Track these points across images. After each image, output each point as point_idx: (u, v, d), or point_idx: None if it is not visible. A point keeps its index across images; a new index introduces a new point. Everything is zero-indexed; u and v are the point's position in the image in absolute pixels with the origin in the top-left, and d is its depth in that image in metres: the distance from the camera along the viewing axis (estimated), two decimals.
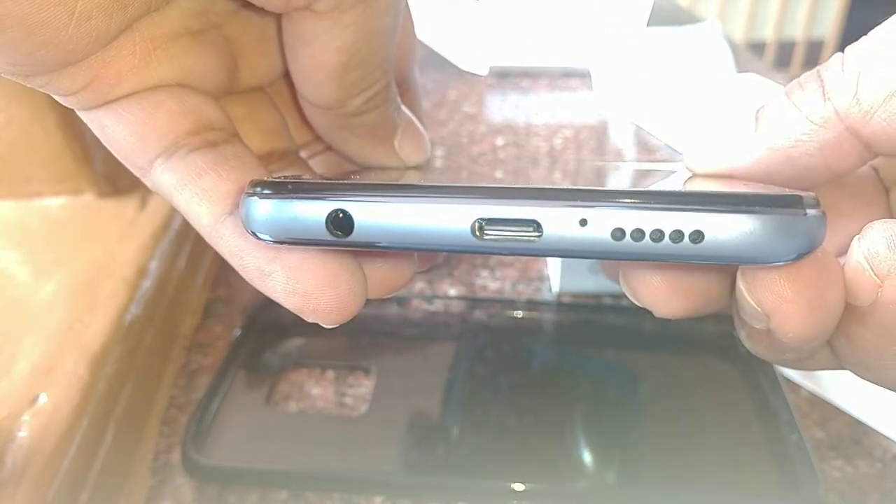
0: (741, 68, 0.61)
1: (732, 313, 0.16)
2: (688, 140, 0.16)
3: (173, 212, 0.31)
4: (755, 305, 0.13)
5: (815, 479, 0.24)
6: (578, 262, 0.33)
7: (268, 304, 0.32)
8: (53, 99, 0.29)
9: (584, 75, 0.62)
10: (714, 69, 0.59)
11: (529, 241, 0.12)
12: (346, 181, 0.14)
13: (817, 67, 0.15)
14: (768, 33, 2.07)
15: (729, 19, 2.03)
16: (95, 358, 0.24)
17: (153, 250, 0.29)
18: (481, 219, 0.12)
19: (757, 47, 2.02)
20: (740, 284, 0.14)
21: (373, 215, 0.13)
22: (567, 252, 0.13)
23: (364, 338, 0.31)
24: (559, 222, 0.12)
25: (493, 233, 0.13)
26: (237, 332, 0.31)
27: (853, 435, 0.27)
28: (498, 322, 0.32)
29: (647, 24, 0.66)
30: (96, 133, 0.15)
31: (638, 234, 0.12)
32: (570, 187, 0.13)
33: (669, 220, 0.12)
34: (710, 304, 0.16)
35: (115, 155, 0.16)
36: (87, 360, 0.24)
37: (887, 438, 0.27)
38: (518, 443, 0.26)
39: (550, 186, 0.13)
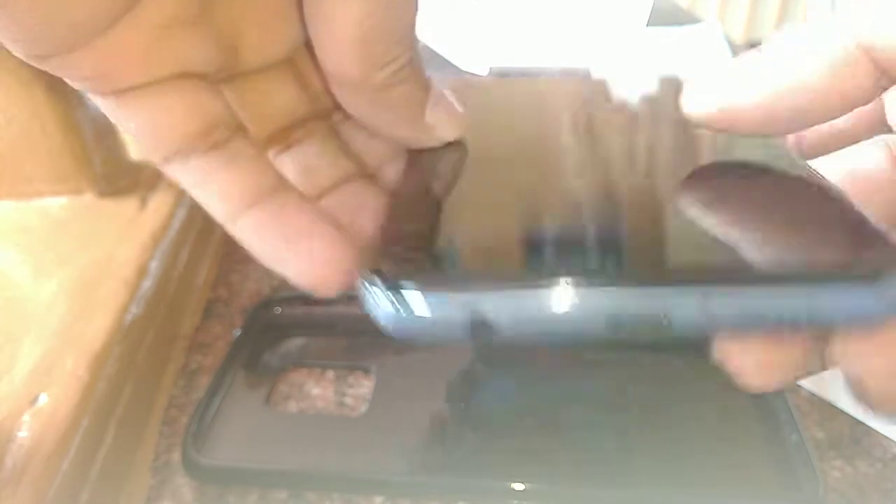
0: None
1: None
2: (687, 83, 0.15)
3: (173, 212, 0.31)
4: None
5: (815, 478, 0.24)
6: None
7: (268, 304, 0.32)
8: (54, 99, 0.30)
9: (583, 75, 0.62)
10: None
11: (661, 328, 0.12)
12: (476, 273, 0.13)
13: None
14: (768, 33, 2.08)
15: (729, 19, 2.03)
16: (95, 358, 0.24)
17: (153, 250, 0.29)
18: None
19: (757, 47, 2.02)
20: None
21: (515, 319, 0.12)
22: (693, 333, 0.12)
23: (364, 338, 0.31)
24: (689, 311, 0.12)
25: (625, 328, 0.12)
26: (237, 332, 0.31)
27: (853, 435, 0.27)
28: None
29: (647, 25, 0.66)
30: (111, 118, 0.16)
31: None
32: (697, 269, 0.12)
33: (795, 302, 0.12)
34: (800, 373, 0.15)
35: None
36: (88, 360, 0.24)
37: (887, 438, 0.27)
38: (518, 443, 0.26)
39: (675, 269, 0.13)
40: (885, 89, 0.14)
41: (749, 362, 0.14)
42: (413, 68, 0.17)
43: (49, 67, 0.14)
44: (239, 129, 0.17)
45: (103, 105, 0.16)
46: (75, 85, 0.15)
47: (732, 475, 0.25)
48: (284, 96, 0.19)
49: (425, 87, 0.18)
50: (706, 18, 0.73)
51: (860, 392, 0.13)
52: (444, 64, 0.63)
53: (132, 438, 0.26)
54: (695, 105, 0.15)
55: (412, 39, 0.16)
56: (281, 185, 0.17)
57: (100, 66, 0.14)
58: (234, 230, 0.16)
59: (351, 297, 0.34)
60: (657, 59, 0.59)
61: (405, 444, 0.26)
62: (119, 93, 0.15)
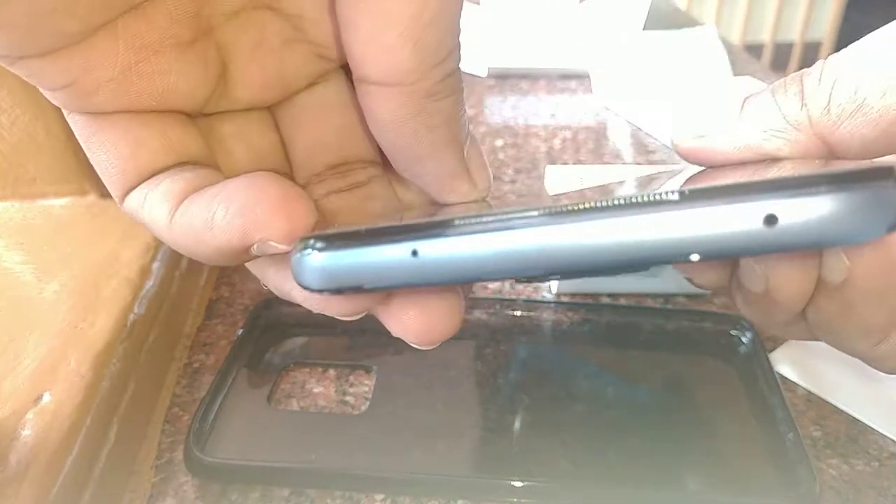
0: (739, 69, 0.61)
1: (732, 282, 0.18)
2: (680, 125, 0.18)
3: None
4: (756, 267, 0.15)
5: (811, 477, 0.24)
6: None
7: (270, 303, 0.32)
8: None
9: (582, 77, 0.62)
10: (710, 72, 0.59)
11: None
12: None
13: (801, 71, 0.16)
14: (765, 36, 2.08)
15: (726, 22, 2.03)
16: (99, 357, 0.24)
17: (156, 251, 0.29)
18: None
19: (754, 49, 2.02)
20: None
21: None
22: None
23: (365, 337, 0.31)
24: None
25: None
26: (239, 331, 0.31)
27: (850, 433, 0.27)
28: (497, 321, 0.32)
29: (645, 28, 0.66)
30: (81, 143, 0.15)
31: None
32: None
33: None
34: (728, 274, 0.18)
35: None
36: (91, 359, 0.24)
37: (883, 437, 0.27)
38: (517, 440, 0.26)
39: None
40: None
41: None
42: (459, 76, 0.16)
43: (19, 71, 0.14)
44: (212, 166, 0.16)
45: (75, 126, 0.15)
46: (50, 97, 0.15)
47: (729, 473, 0.25)
48: (262, 140, 0.18)
49: (465, 115, 0.17)
50: (703, 21, 0.73)
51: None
52: None
53: (135, 436, 0.26)
54: (685, 142, 0.17)
55: (459, 32, 0.15)
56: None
57: (71, 73, 0.14)
58: (173, 225, 0.15)
59: None
60: (654, 62, 0.60)
61: (406, 442, 0.26)
62: (92, 115, 0.15)
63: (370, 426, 0.27)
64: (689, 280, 0.18)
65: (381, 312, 0.15)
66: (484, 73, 0.63)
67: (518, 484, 0.24)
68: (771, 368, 0.28)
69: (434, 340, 0.15)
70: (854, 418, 0.28)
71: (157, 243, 0.30)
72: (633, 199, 0.12)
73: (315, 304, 0.15)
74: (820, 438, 0.27)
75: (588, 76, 0.61)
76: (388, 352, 0.30)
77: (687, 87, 0.56)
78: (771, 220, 0.12)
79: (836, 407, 0.28)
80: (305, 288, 0.14)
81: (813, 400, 0.29)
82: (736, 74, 0.60)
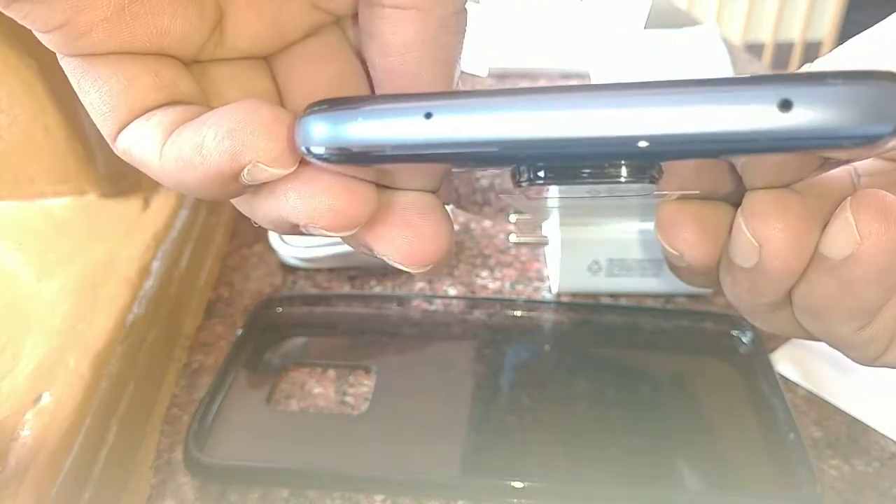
0: (739, 69, 0.61)
1: (721, 264, 0.18)
2: None
3: (176, 212, 0.32)
4: (750, 236, 0.16)
5: (812, 477, 0.24)
6: (578, 261, 0.33)
7: (269, 304, 0.32)
8: (57, 100, 0.30)
9: (583, 77, 0.62)
10: (711, 72, 0.59)
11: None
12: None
13: (804, 66, 0.16)
14: (766, 35, 2.08)
15: (727, 21, 2.03)
16: (98, 357, 0.24)
17: (155, 251, 0.29)
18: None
19: (755, 48, 2.02)
20: (739, 219, 0.16)
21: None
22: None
23: (365, 337, 0.31)
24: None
25: None
26: (239, 331, 0.31)
27: (850, 434, 0.27)
28: (497, 322, 0.32)
29: (645, 27, 0.66)
30: (73, 86, 0.15)
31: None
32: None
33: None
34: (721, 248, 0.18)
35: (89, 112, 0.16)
36: (90, 359, 0.24)
37: (885, 437, 0.27)
38: (517, 441, 0.26)
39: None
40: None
41: (686, 235, 0.17)
42: (466, 18, 0.16)
43: (14, 13, 0.14)
44: (205, 108, 0.16)
45: (68, 69, 0.15)
46: (44, 40, 0.15)
47: (730, 474, 0.25)
48: (257, 85, 0.17)
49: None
50: (704, 21, 0.73)
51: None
52: None
53: (134, 437, 0.26)
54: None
55: None
56: None
57: (64, 13, 0.14)
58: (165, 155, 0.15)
59: (352, 296, 0.34)
60: (655, 61, 0.60)
61: (406, 443, 0.26)
62: (84, 56, 0.15)
63: (370, 426, 0.27)
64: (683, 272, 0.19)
65: (368, 236, 0.16)
66: (484, 74, 0.63)
67: (518, 484, 0.24)
68: (771, 368, 0.28)
69: (423, 261, 0.15)
70: (855, 419, 0.28)
71: (157, 243, 0.30)
72: (660, 82, 0.12)
73: (312, 192, 0.15)
74: (821, 439, 0.27)
75: (588, 76, 0.61)
76: (388, 352, 0.30)
77: None
78: (786, 104, 0.12)
79: (837, 407, 0.28)
80: (307, 154, 0.13)
81: (814, 400, 0.28)
82: (737, 74, 0.60)
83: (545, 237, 0.34)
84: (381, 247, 0.15)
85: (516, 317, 0.32)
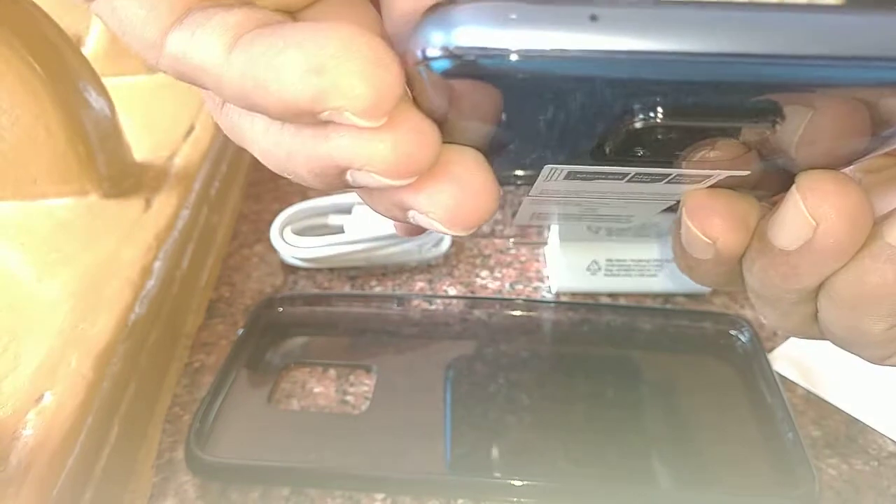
0: None
1: (750, 251, 0.17)
2: None
3: (177, 213, 0.32)
4: (808, 213, 0.15)
5: (811, 476, 0.24)
6: (577, 261, 0.33)
7: (270, 303, 0.32)
8: (58, 100, 0.30)
9: None
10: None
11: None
12: None
13: None
14: None
15: None
16: (100, 357, 0.24)
17: (157, 251, 0.29)
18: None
19: None
20: (796, 196, 0.15)
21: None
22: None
23: (365, 337, 0.31)
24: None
25: None
26: (240, 331, 0.31)
27: (849, 433, 0.27)
28: (497, 321, 0.32)
29: None
30: (106, 17, 0.13)
31: None
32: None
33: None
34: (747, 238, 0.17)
35: (124, 37, 0.13)
36: (92, 359, 0.24)
37: (883, 436, 0.27)
38: (517, 440, 0.26)
39: None
40: None
41: (717, 220, 0.17)
42: None
43: None
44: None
45: None
46: None
47: (729, 473, 0.25)
48: None
49: None
50: None
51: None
52: None
53: (136, 436, 0.26)
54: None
55: None
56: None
57: None
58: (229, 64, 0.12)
59: (352, 296, 0.34)
60: None
61: (406, 442, 0.26)
62: None
63: (371, 426, 0.27)
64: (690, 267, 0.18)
65: (409, 195, 0.13)
66: None
67: (518, 484, 0.24)
68: (770, 368, 0.28)
69: (469, 222, 0.14)
70: (853, 418, 0.28)
71: (159, 244, 0.30)
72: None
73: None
74: (819, 438, 0.27)
75: None
76: (388, 352, 0.30)
77: None
78: None
79: (835, 406, 0.28)
80: (426, 64, 0.11)
81: (812, 399, 0.29)
82: None
83: (544, 238, 0.34)
84: (424, 203, 0.13)
85: (516, 316, 0.32)
